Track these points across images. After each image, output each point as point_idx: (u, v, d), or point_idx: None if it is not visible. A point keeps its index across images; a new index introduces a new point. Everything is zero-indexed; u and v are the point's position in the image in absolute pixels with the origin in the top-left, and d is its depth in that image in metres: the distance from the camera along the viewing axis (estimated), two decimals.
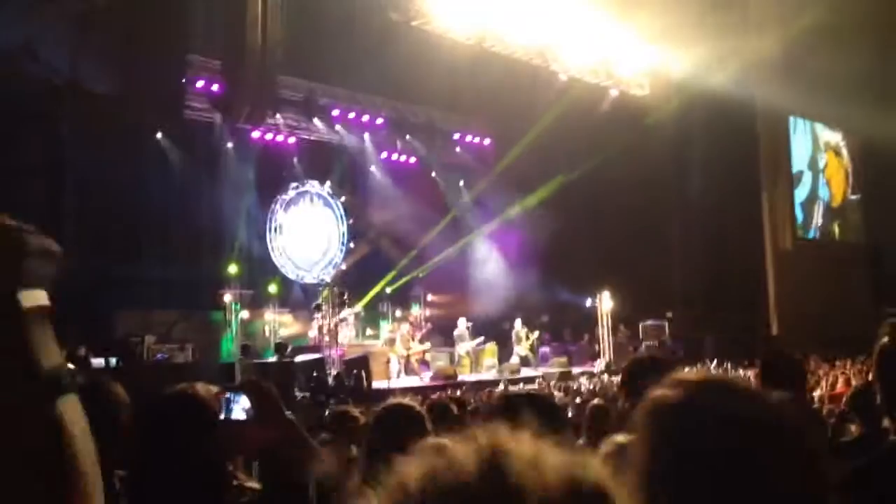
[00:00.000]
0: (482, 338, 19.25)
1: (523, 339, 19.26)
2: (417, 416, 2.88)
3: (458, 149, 22.42)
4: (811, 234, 24.23)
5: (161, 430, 2.10)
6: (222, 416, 2.04)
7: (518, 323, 19.42)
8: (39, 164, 14.98)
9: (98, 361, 12.76)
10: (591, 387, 12.76)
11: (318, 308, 17.69)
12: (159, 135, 16.82)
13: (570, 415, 8.25)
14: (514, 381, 16.48)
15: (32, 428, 0.94)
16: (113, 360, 12.92)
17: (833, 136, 25.40)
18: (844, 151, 25.66)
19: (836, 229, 25.27)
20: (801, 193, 24.04)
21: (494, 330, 19.88)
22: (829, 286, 21.28)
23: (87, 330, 13.34)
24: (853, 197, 25.66)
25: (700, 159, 20.66)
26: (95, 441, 1.03)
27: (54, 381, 0.96)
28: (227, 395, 2.06)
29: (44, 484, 0.95)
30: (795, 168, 23.93)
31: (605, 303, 20.16)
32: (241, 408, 2.02)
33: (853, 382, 8.95)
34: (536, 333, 19.65)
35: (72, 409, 0.99)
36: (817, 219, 24.61)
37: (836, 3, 17.65)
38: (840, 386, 9.98)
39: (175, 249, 15.88)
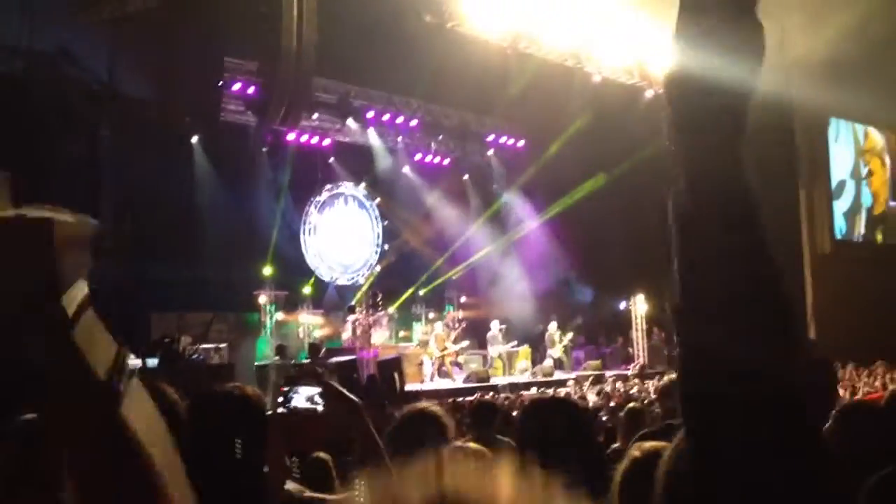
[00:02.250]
0: (515, 341, 19.21)
1: (557, 341, 19.19)
2: (439, 423, 2.85)
3: (491, 151, 22.38)
4: (852, 239, 23.87)
5: (209, 430, 2.11)
6: (282, 410, 2.05)
7: (552, 325, 19.35)
8: (77, 168, 15.18)
9: (135, 362, 12.90)
10: (625, 390, 12.67)
11: (352, 309, 17.76)
12: (195, 138, 16.99)
13: (604, 418, 8.22)
14: (547, 384, 16.43)
15: (102, 437, 0.91)
16: (151, 361, 13.06)
17: (878, 140, 24.99)
18: (887, 157, 25.23)
19: (880, 236, 24.87)
20: (843, 204, 23.67)
21: (528, 332, 19.82)
22: (869, 291, 20.93)
23: (123, 331, 13.44)
24: (893, 203, 25.23)
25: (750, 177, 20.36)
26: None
27: (110, 384, 0.91)
28: (286, 387, 2.08)
29: (124, 489, 0.92)
30: (837, 178, 23.57)
31: (639, 305, 20.03)
32: (303, 398, 2.04)
33: (889, 388, 8.82)
34: (570, 336, 19.56)
35: (137, 400, 0.95)
36: (860, 228, 24.23)
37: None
38: (878, 389, 9.84)
39: (210, 251, 16.02)
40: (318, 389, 2.03)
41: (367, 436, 2.08)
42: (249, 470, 2.08)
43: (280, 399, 2.08)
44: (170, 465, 0.97)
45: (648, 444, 2.09)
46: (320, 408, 2.03)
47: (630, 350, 20.28)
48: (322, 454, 3.59)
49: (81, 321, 0.92)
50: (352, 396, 2.05)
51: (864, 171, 24.63)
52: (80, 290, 0.95)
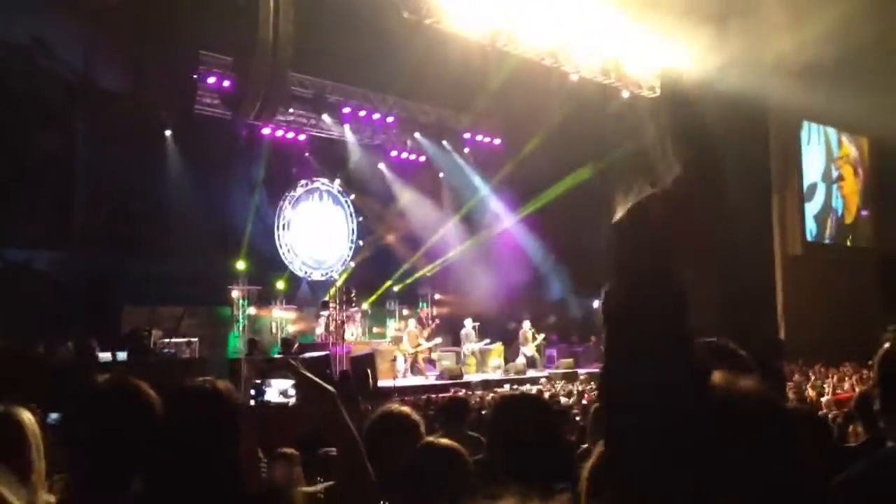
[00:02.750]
0: (488, 339, 19.25)
1: (530, 339, 19.25)
2: (411, 424, 2.86)
3: (467, 148, 22.39)
4: (823, 242, 24.12)
5: (181, 427, 2.09)
6: (254, 402, 2.06)
7: (526, 324, 19.40)
8: (52, 160, 15.04)
9: (105, 356, 12.77)
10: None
11: (326, 305, 17.71)
12: (169, 131, 16.87)
13: (577, 418, 8.25)
14: (520, 382, 16.48)
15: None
16: (121, 355, 12.94)
17: (851, 150, 25.28)
18: (859, 167, 25.52)
19: (848, 242, 25.17)
20: (814, 207, 23.90)
21: (501, 330, 19.87)
22: (838, 292, 21.18)
23: (94, 324, 13.39)
24: (864, 213, 25.53)
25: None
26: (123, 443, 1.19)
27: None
28: (258, 380, 2.08)
29: None
30: (809, 180, 23.80)
31: None
32: (275, 391, 2.05)
33: (857, 389, 8.93)
34: (542, 335, 19.61)
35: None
36: (831, 230, 24.50)
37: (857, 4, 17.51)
38: (847, 391, 9.96)
39: (184, 245, 15.90)
40: (290, 383, 2.03)
41: (342, 427, 2.08)
42: (224, 465, 2.07)
43: (252, 392, 2.08)
44: None
45: None
46: (292, 401, 2.03)
47: (602, 349, 20.37)
48: (288, 450, 3.59)
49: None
50: (327, 386, 2.05)
51: (835, 175, 24.90)
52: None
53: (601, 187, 19.90)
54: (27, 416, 2.65)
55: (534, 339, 19.27)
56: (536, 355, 19.20)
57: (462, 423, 4.75)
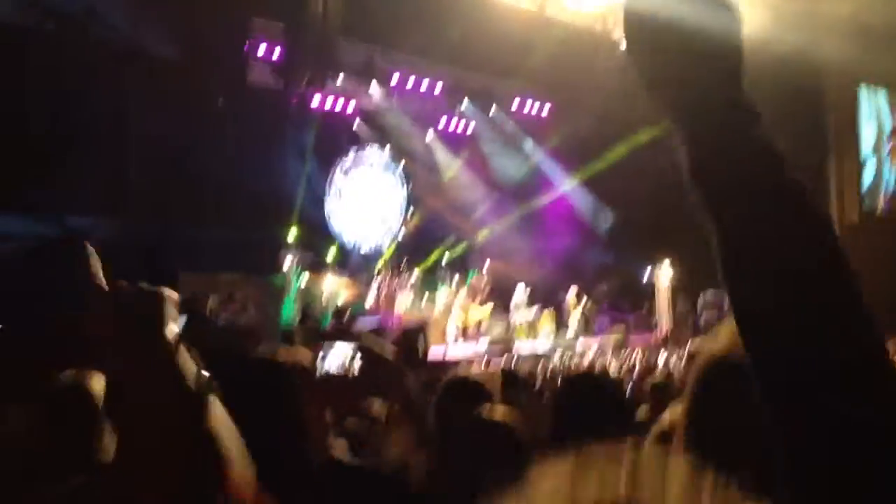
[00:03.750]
0: (539, 305, 19.21)
1: (573, 307, 19.13)
2: (486, 393, 2.88)
3: (517, 117, 22.22)
4: (878, 211, 23.51)
5: (245, 399, 2.11)
6: (318, 373, 2.07)
7: (571, 291, 19.29)
8: (104, 128, 15.27)
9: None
10: (649, 359, 12.66)
11: (377, 274, 17.81)
12: (221, 99, 16.99)
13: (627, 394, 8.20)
14: (570, 350, 16.47)
15: (194, 442, 1.23)
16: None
17: None
18: None
19: None
20: (866, 178, 23.29)
21: (552, 298, 19.80)
22: (893, 263, 20.69)
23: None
24: None
25: (766, 126, 20.12)
26: None
27: (199, 398, 1.25)
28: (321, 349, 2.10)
29: (202, 479, 1.23)
30: (863, 151, 23.18)
31: (664, 272, 19.90)
32: (335, 361, 2.06)
33: None
34: (584, 302, 19.44)
35: (217, 411, 1.28)
36: (883, 203, 23.86)
37: None
38: None
39: (237, 213, 16.09)
40: (350, 352, 2.05)
41: (406, 399, 2.09)
42: (290, 436, 2.09)
43: (317, 362, 2.10)
44: (241, 458, 1.28)
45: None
46: (352, 371, 2.05)
47: (654, 318, 20.21)
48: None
49: (180, 350, 1.29)
50: (389, 357, 2.06)
51: (887, 147, 24.17)
52: (172, 329, 1.33)
53: (655, 154, 19.64)
54: (96, 383, 2.68)
55: (577, 306, 19.15)
56: (581, 323, 19.08)
57: (517, 395, 4.76)
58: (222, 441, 1.21)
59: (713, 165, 1.01)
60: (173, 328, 1.30)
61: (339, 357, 2.03)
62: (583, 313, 19.18)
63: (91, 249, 1.37)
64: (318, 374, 2.09)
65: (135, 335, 1.26)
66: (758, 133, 1.03)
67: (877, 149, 23.83)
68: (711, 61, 1.01)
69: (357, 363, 2.05)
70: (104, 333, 1.31)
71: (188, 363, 1.27)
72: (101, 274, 1.36)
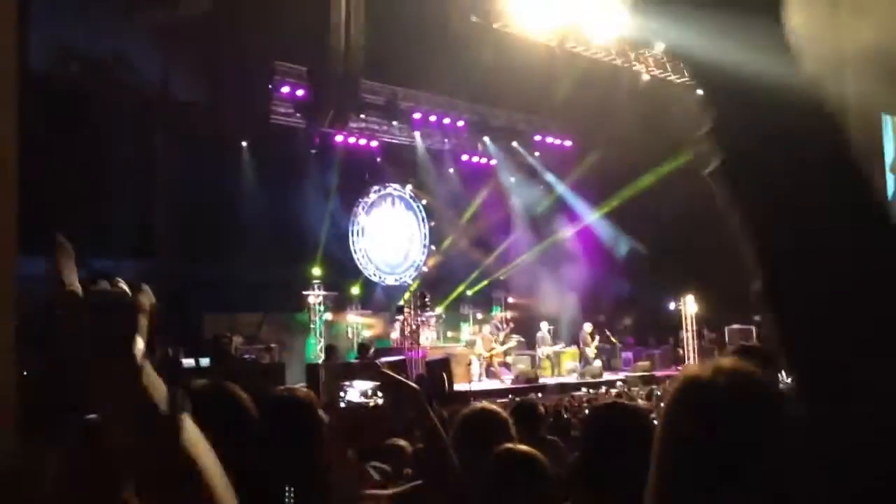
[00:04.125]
0: (563, 342, 19.13)
1: (590, 342, 18.99)
2: (502, 422, 2.87)
3: (538, 151, 22.31)
4: None
5: (267, 433, 2.14)
6: (343, 404, 2.09)
7: (587, 326, 19.14)
8: (132, 171, 15.48)
9: (189, 362, 13.12)
10: None
11: (400, 310, 17.82)
12: (246, 141, 17.21)
13: (654, 422, 8.13)
14: (595, 385, 16.35)
15: (166, 465, 1.14)
16: (204, 361, 13.26)
17: None
18: None
19: None
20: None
21: (576, 333, 19.72)
22: None
23: (177, 331, 13.75)
24: None
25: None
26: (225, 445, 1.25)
27: (172, 416, 1.15)
28: (344, 382, 2.12)
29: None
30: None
31: (689, 306, 19.79)
32: (357, 392, 2.08)
33: None
34: (600, 336, 19.27)
35: (191, 431, 1.17)
36: None
37: None
38: None
39: (261, 252, 16.21)
40: (372, 384, 2.07)
41: (428, 426, 2.11)
42: (308, 471, 2.11)
43: (341, 394, 2.13)
44: (220, 481, 1.19)
45: None
46: (375, 401, 2.06)
47: (680, 351, 20.05)
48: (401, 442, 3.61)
49: (146, 368, 1.17)
50: (411, 384, 2.08)
51: None
52: (140, 344, 1.21)
53: (678, 187, 19.60)
54: None
55: (592, 341, 18.99)
56: (591, 357, 18.90)
57: (537, 428, 4.73)
58: (198, 463, 1.14)
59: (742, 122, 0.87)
60: (140, 345, 1.19)
61: (360, 390, 2.04)
62: (604, 346, 19.06)
63: (63, 241, 1.27)
64: (340, 406, 2.10)
65: (103, 349, 1.14)
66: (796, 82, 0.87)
67: (895, 166, 23.68)
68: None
69: (379, 397, 2.06)
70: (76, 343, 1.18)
71: (156, 382, 1.18)
72: (69, 270, 1.25)
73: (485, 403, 3.05)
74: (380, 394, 2.07)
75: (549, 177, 22.44)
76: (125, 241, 15.07)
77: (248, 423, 2.19)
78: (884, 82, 19.04)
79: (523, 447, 2.53)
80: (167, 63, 15.63)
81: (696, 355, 19.24)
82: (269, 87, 16.94)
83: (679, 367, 19.12)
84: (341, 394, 2.13)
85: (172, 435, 1.13)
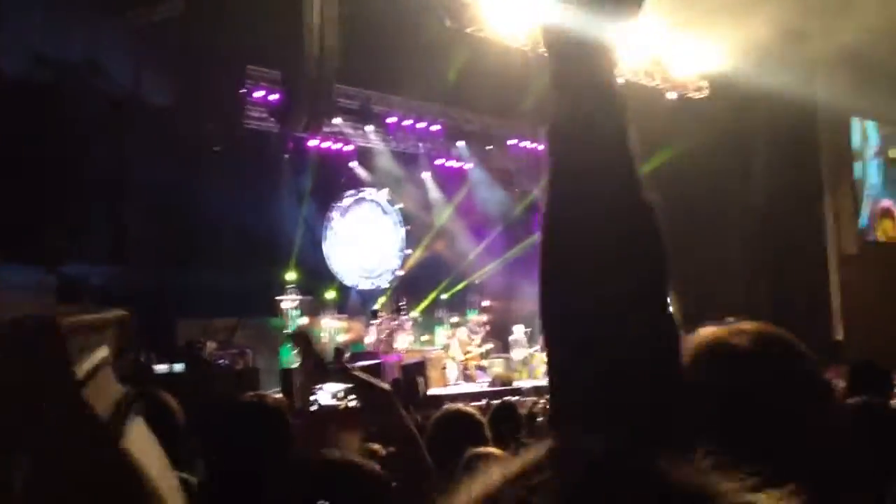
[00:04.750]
0: (538, 345, 19.16)
1: (522, 344, 18.95)
2: (476, 424, 2.88)
3: (512, 154, 22.37)
4: (877, 241, 23.63)
5: (234, 439, 2.14)
6: (314, 407, 2.11)
7: (518, 329, 19.09)
8: (103, 176, 15.35)
9: (162, 367, 13.03)
10: None
11: (375, 314, 17.81)
12: (219, 146, 17.10)
13: None
14: None
15: (107, 477, 1.10)
16: (177, 367, 13.18)
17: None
18: None
19: None
20: (866, 205, 23.44)
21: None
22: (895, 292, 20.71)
23: (150, 337, 13.66)
24: None
25: (761, 164, 20.32)
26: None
27: (111, 425, 1.11)
28: (315, 386, 2.14)
29: None
30: (860, 177, 23.37)
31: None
32: (328, 395, 2.09)
33: None
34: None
35: (139, 437, 1.16)
36: (885, 229, 23.99)
37: None
38: None
39: (234, 258, 16.14)
40: (342, 386, 2.08)
41: (401, 426, 2.11)
42: (275, 476, 2.11)
43: (311, 398, 2.14)
44: (168, 486, 1.17)
45: None
46: (346, 404, 2.08)
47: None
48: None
49: (96, 379, 1.13)
50: (383, 385, 2.08)
51: (887, 172, 24.38)
52: (99, 354, 1.17)
53: (651, 190, 19.68)
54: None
55: (527, 345, 18.91)
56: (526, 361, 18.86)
57: (517, 430, 4.74)
58: (143, 471, 1.11)
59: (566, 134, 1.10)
60: (85, 365, 1.13)
61: (332, 393, 2.06)
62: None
63: None
64: (312, 408, 2.12)
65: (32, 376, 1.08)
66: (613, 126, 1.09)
67: (878, 172, 24.03)
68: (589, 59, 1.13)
69: (351, 399, 2.08)
70: None
71: (108, 392, 1.15)
72: None
73: (459, 405, 3.06)
74: (352, 396, 2.08)
75: (524, 180, 22.49)
76: (98, 247, 14.95)
77: (174, 429, 2.19)
78: (856, 86, 19.33)
79: (494, 450, 2.54)
80: (140, 67, 15.52)
81: None
82: (243, 91, 16.86)
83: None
84: (312, 397, 2.14)
85: (111, 444, 1.09)
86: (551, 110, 1.14)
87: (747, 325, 1.30)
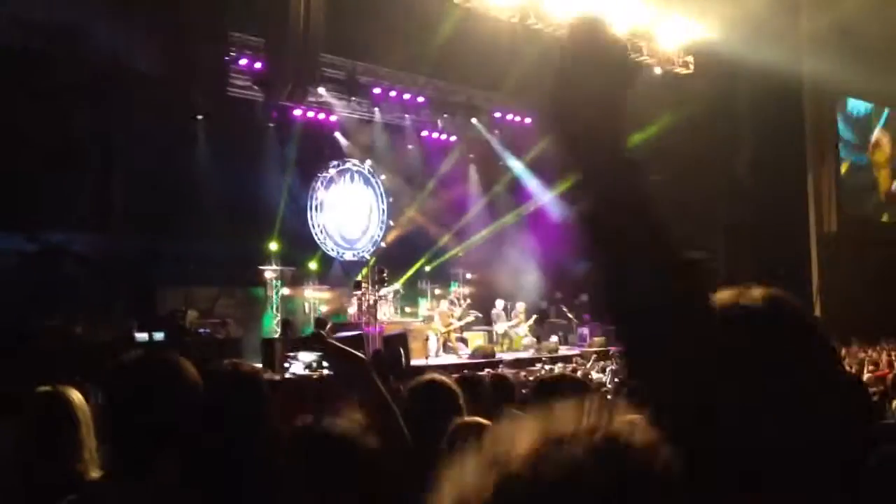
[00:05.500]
0: (519, 316, 19.26)
1: (503, 318, 19.14)
2: (452, 393, 2.90)
3: (498, 128, 22.31)
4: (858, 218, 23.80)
5: (211, 406, 2.15)
6: (288, 375, 2.12)
7: (499, 303, 19.41)
8: (87, 144, 15.21)
9: (142, 336, 12.99)
10: None
11: (358, 285, 17.81)
12: (202, 114, 16.96)
13: (608, 396, 8.26)
14: (552, 360, 16.51)
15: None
16: (158, 335, 13.15)
17: (885, 122, 24.87)
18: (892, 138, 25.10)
19: (885, 216, 24.82)
20: (849, 182, 23.57)
21: (533, 309, 19.88)
22: (874, 269, 20.92)
23: (131, 305, 13.62)
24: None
25: (745, 140, 20.37)
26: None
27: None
28: (290, 354, 2.15)
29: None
30: (844, 155, 23.48)
31: None
32: (301, 365, 2.10)
33: (895, 366, 8.85)
34: (532, 317, 19.41)
35: None
36: (866, 206, 24.17)
37: None
38: (884, 368, 9.87)
39: (217, 227, 16.06)
40: (315, 356, 2.09)
41: (375, 392, 2.12)
42: (250, 442, 2.12)
43: (284, 365, 2.16)
44: None
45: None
46: (321, 373, 2.09)
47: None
48: None
49: None
50: (356, 353, 2.09)
51: (870, 151, 24.53)
52: None
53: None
54: (76, 395, 2.74)
55: (507, 318, 19.13)
56: (510, 334, 19.06)
57: (508, 403, 4.78)
58: None
59: (600, 211, 1.26)
60: None
61: (305, 363, 2.06)
62: (560, 322, 19.26)
63: None
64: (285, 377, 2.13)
65: None
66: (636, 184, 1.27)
67: (861, 150, 24.18)
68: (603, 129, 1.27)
69: (325, 368, 2.09)
70: None
71: None
72: None
73: (434, 375, 3.07)
74: (326, 364, 2.09)
75: (509, 154, 22.47)
76: (77, 214, 14.84)
77: (183, 393, 2.18)
78: (844, 63, 19.35)
79: (478, 419, 2.56)
80: (124, 33, 15.31)
81: None
82: (227, 59, 16.69)
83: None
84: (286, 364, 2.15)
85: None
86: (581, 199, 1.30)
87: (757, 290, 1.37)
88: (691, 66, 20.11)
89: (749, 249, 20.98)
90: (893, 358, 10.75)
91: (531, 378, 11.79)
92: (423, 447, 2.21)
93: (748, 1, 17.10)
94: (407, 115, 20.65)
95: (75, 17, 14.29)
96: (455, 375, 3.96)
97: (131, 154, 15.42)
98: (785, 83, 19.55)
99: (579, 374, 11.32)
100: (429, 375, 3.06)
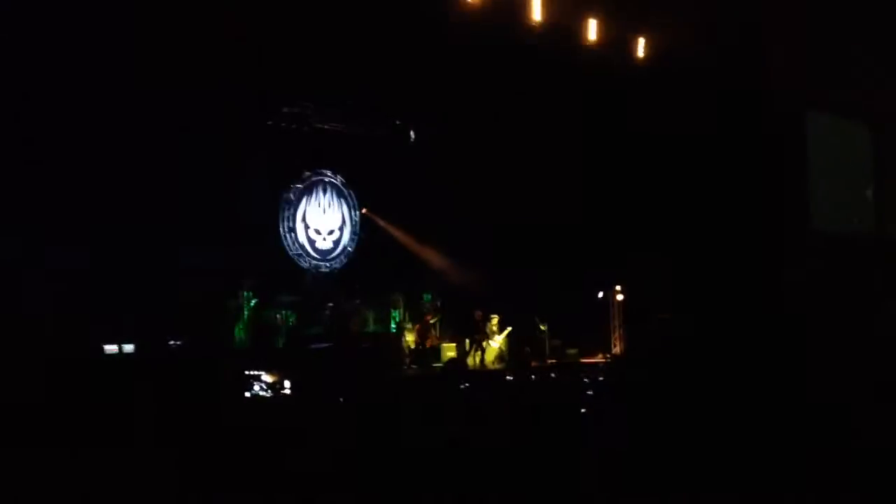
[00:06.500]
0: (495, 329, 19.28)
1: (497, 332, 19.19)
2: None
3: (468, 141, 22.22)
4: (825, 227, 24.01)
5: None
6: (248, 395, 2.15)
7: (494, 318, 19.39)
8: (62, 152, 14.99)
9: (111, 348, 12.81)
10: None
11: (331, 297, 17.77)
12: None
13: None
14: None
15: None
16: (127, 347, 13.00)
17: (852, 128, 25.15)
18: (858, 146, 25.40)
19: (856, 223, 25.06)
20: (815, 191, 23.81)
21: (506, 321, 19.88)
22: (842, 279, 21.09)
23: (100, 316, 13.46)
24: (868, 192, 25.45)
25: (712, 146, 20.41)
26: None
27: None
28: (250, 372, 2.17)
29: None
30: (809, 165, 23.71)
31: (616, 297, 20.20)
32: (260, 387, 2.13)
33: None
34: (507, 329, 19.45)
35: None
36: (832, 216, 24.40)
37: None
38: None
39: (189, 236, 15.95)
40: (276, 377, 2.14)
41: None
42: None
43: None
44: None
45: None
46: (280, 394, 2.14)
47: (613, 336, 20.50)
48: None
49: None
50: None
51: (836, 159, 24.75)
52: None
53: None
54: None
55: (482, 328, 19.18)
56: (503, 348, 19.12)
57: None
58: None
59: None
60: None
61: (266, 384, 2.10)
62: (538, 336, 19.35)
63: None
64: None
65: None
66: None
67: (827, 159, 24.38)
68: None
69: (286, 389, 2.13)
70: None
71: None
72: None
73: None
74: (287, 384, 2.14)
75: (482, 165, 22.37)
76: (53, 226, 14.62)
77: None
78: (807, 77, 19.51)
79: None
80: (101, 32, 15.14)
81: (621, 343, 19.67)
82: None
83: (606, 355, 19.48)
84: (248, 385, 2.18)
85: None
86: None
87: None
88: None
89: (716, 262, 21.06)
90: None
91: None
92: None
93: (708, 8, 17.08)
94: (378, 126, 20.55)
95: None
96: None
97: (102, 163, 15.23)
98: (747, 92, 19.62)
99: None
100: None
